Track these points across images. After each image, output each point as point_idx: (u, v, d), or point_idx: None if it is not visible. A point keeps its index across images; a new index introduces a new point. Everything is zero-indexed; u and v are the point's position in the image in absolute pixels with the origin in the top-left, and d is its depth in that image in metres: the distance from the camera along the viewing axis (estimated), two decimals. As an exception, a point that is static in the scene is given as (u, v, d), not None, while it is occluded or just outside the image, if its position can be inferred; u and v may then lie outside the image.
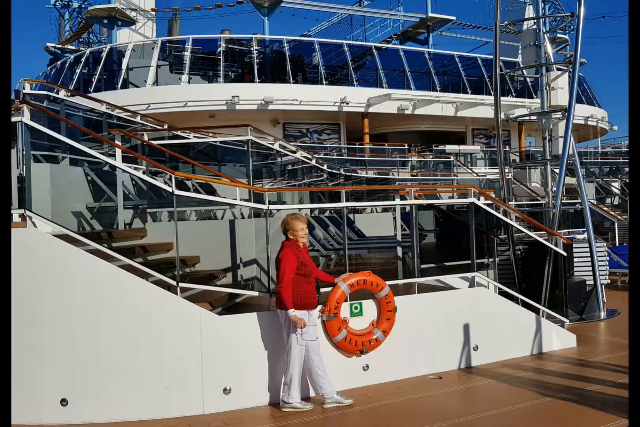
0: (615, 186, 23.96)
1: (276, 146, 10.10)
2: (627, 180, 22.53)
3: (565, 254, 7.86)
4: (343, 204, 6.28)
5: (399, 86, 22.84)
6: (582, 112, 25.13)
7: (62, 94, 9.38)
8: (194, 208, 7.35)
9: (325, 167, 12.26)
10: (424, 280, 6.60)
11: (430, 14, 27.93)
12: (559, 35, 27.96)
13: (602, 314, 9.06)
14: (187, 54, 21.06)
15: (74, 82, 21.61)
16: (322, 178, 12.30)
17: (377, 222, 8.06)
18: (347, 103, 21.22)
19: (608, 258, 10.21)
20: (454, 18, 29.19)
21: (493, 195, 7.94)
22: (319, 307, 5.59)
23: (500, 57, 10.33)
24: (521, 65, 11.13)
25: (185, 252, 5.83)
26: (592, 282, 9.26)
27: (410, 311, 6.18)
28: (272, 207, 5.89)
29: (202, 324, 5.29)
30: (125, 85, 20.79)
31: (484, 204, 7.17)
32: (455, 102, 22.88)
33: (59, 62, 24.31)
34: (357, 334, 5.79)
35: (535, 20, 10.00)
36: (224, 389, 5.30)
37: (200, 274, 6.17)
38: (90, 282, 5.21)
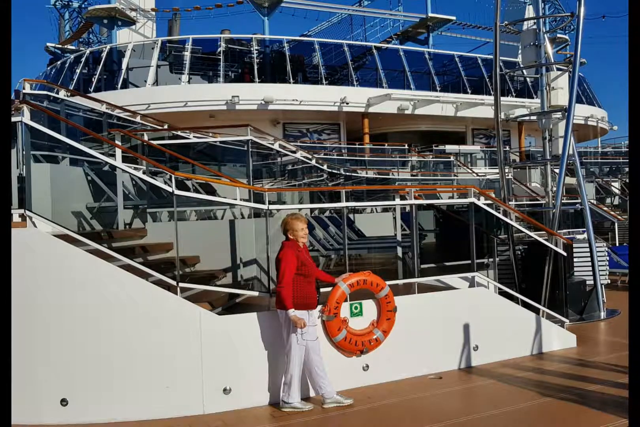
0: (615, 186, 23.97)
1: (276, 146, 10.10)
2: (627, 180, 22.53)
3: (565, 254, 7.85)
4: (343, 204, 6.28)
5: (399, 86, 22.84)
6: (582, 112, 25.13)
7: (62, 94, 9.38)
8: (194, 208, 7.35)
9: (325, 167, 12.27)
10: (424, 280, 6.60)
11: (430, 14, 27.95)
12: (559, 35, 27.97)
13: (602, 314, 9.05)
14: (187, 54, 21.07)
15: (74, 82, 21.61)
16: (322, 178, 12.30)
17: (377, 222, 8.06)
18: (347, 103, 21.21)
19: (608, 258, 10.20)
20: (454, 18, 29.23)
21: (493, 195, 7.93)
22: (319, 307, 5.59)
23: (500, 57, 10.32)
24: (521, 65, 11.13)
25: (185, 252, 5.83)
26: (592, 282, 9.26)
27: (410, 311, 6.18)
28: (272, 207, 5.89)
29: (202, 324, 5.29)
30: (125, 85, 20.80)
31: (484, 204, 7.17)
32: (455, 102, 22.88)
33: (59, 62, 24.30)
34: (357, 334, 5.79)
35: (535, 20, 10.00)
36: (224, 389, 5.30)
37: (200, 274, 6.17)
38: (90, 282, 5.21)
